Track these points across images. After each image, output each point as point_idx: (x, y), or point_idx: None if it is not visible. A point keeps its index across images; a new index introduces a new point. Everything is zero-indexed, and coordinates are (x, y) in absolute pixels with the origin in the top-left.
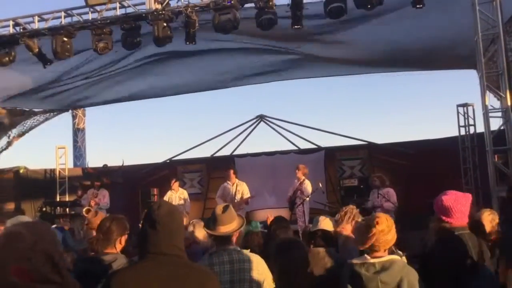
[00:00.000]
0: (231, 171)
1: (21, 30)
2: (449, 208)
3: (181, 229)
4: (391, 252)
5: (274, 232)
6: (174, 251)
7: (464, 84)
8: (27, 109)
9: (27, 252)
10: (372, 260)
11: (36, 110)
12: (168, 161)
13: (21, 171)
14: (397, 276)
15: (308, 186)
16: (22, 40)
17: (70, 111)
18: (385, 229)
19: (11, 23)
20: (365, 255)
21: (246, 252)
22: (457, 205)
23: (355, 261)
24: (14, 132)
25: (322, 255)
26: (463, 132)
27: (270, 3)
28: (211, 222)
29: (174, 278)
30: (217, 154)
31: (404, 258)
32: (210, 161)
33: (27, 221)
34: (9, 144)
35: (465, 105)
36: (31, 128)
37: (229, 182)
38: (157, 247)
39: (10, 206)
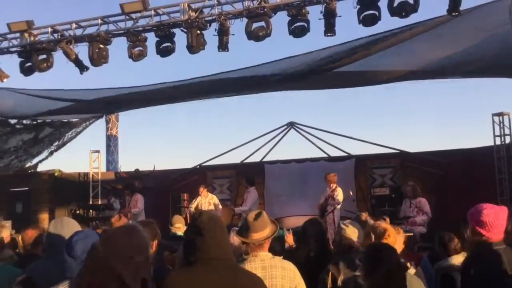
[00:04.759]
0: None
1: (59, 36)
2: (489, 222)
3: (226, 234)
4: None
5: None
6: (223, 255)
7: (500, 92)
8: (65, 121)
9: (99, 267)
10: None
11: (73, 120)
12: (198, 166)
13: (56, 174)
14: None
15: (340, 194)
16: (60, 46)
17: (104, 116)
18: (393, 241)
19: (49, 30)
20: None
21: (279, 258)
22: (497, 219)
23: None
24: (55, 145)
25: None
26: (498, 142)
27: (303, 10)
28: (243, 229)
29: (226, 281)
30: (247, 161)
31: (412, 269)
32: (240, 168)
33: (110, 230)
34: (50, 154)
35: (500, 114)
36: (70, 139)
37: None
38: (207, 252)
39: (45, 208)
